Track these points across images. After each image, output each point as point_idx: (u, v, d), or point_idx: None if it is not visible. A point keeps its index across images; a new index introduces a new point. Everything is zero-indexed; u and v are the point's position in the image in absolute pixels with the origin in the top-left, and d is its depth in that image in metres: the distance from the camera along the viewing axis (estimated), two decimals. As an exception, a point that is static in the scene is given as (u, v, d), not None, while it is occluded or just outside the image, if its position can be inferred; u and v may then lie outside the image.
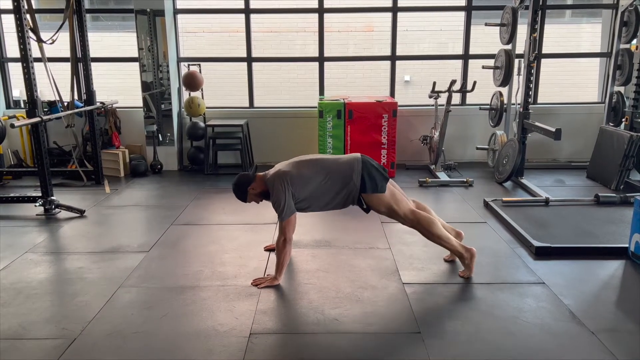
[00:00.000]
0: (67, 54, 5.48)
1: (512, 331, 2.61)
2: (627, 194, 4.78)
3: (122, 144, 6.40)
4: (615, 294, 3.06)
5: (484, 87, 6.19)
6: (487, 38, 6.53)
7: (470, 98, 6.59)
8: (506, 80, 5.81)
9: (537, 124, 5.31)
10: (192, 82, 6.19)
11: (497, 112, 6.03)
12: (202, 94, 6.39)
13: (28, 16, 4.50)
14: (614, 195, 4.80)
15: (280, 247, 3.16)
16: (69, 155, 6.14)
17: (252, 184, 3.28)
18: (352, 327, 2.67)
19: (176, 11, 6.41)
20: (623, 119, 5.82)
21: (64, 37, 5.28)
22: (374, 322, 2.72)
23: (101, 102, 5.91)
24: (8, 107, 6.67)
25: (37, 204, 4.63)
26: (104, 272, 3.38)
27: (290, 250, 3.19)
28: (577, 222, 4.31)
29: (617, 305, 2.90)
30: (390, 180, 3.30)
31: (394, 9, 6.43)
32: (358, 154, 3.29)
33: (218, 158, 6.52)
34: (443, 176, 5.76)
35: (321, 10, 6.42)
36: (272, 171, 3.27)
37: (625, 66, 5.73)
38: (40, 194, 4.67)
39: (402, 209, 3.22)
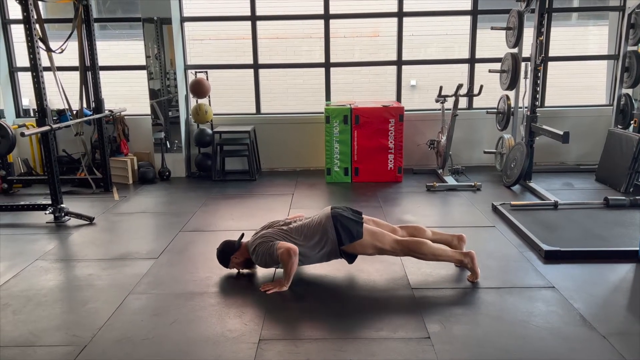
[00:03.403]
0: (76, 62, 5.54)
1: (522, 335, 2.59)
2: (637, 197, 4.74)
3: (131, 152, 6.44)
4: (626, 297, 3.04)
5: (491, 90, 6.18)
6: (493, 42, 6.52)
7: (477, 102, 6.58)
8: (513, 84, 5.79)
9: (544, 127, 5.29)
10: (199, 89, 6.22)
11: (505, 116, 6.01)
12: (209, 100, 6.42)
13: (37, 26, 4.55)
14: (624, 198, 4.77)
15: (285, 259, 3.14)
16: (78, 163, 6.19)
17: (236, 252, 3.34)
18: (361, 333, 2.67)
19: (183, 19, 6.46)
20: (631, 122, 5.79)
21: (72, 46, 5.34)
22: (383, 327, 2.71)
23: (109, 110, 5.96)
24: (18, 116, 6.73)
25: (47, 212, 4.67)
26: (113, 279, 3.40)
27: (297, 261, 3.16)
28: (586, 225, 4.28)
29: (627, 309, 2.87)
30: (366, 217, 3.31)
31: (400, 14, 6.44)
32: (328, 209, 3.30)
33: (225, 164, 6.55)
34: (451, 180, 5.75)
35: (327, 17, 6.45)
36: (252, 237, 3.34)
37: (633, 68, 5.70)
38: (50, 202, 4.71)
39: (387, 243, 3.21)
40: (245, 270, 3.44)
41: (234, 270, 3.45)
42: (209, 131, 6.36)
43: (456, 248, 3.42)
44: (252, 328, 2.72)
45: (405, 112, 5.90)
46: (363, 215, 3.34)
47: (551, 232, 4.10)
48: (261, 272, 3.44)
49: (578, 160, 6.59)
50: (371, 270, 3.43)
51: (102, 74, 5.79)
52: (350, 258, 3.29)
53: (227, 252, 3.36)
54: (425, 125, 6.50)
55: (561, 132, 4.88)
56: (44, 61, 4.63)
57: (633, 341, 2.53)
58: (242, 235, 3.42)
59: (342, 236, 3.17)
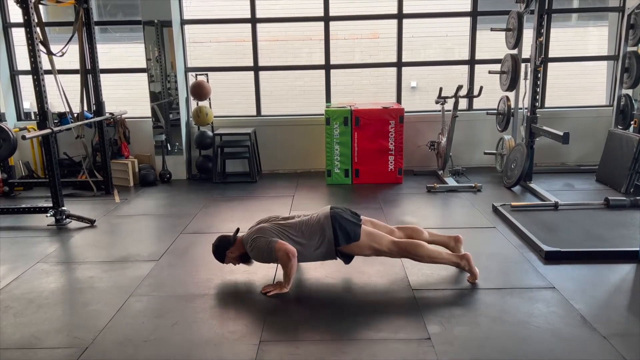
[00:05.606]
0: (76, 65, 5.55)
1: (522, 336, 2.60)
2: (637, 197, 4.74)
3: (131, 154, 6.45)
4: (627, 298, 3.04)
5: (491, 92, 6.18)
6: (493, 43, 6.53)
7: (477, 103, 6.58)
8: (513, 85, 5.80)
9: (544, 128, 5.30)
10: (199, 92, 6.24)
11: (505, 117, 6.02)
12: (210, 103, 6.43)
13: (38, 29, 4.57)
14: (624, 198, 4.77)
15: (285, 261, 3.14)
16: (79, 165, 6.20)
17: (231, 247, 3.33)
18: (362, 334, 2.67)
19: (183, 22, 6.47)
20: (632, 122, 5.79)
21: (73, 49, 5.35)
22: (383, 328, 2.72)
23: (110, 113, 5.96)
24: (19, 119, 6.74)
25: (48, 215, 4.68)
26: (114, 281, 3.41)
27: (295, 263, 3.16)
28: (586, 226, 4.29)
29: (628, 309, 2.88)
30: (364, 218, 3.32)
31: (400, 16, 6.45)
32: (327, 209, 3.30)
33: (226, 166, 6.56)
34: (451, 181, 5.75)
35: (327, 19, 6.46)
36: (248, 231, 3.34)
37: (633, 69, 5.70)
38: (51, 205, 4.72)
39: (384, 245, 3.21)
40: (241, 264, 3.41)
41: (235, 271, 3.45)
42: (210, 133, 6.37)
43: (453, 249, 3.43)
44: (253, 330, 2.72)
45: (405, 114, 5.90)
46: (361, 217, 3.34)
47: (551, 232, 4.10)
48: (261, 273, 3.45)
49: (578, 161, 6.59)
50: (372, 272, 3.43)
51: (103, 77, 5.80)
52: (347, 258, 3.29)
53: (222, 247, 3.35)
54: (426, 126, 6.50)
55: (561, 133, 4.89)
56: (45, 64, 4.64)
57: (634, 342, 2.53)
58: (238, 230, 3.41)
59: (339, 237, 3.17)
